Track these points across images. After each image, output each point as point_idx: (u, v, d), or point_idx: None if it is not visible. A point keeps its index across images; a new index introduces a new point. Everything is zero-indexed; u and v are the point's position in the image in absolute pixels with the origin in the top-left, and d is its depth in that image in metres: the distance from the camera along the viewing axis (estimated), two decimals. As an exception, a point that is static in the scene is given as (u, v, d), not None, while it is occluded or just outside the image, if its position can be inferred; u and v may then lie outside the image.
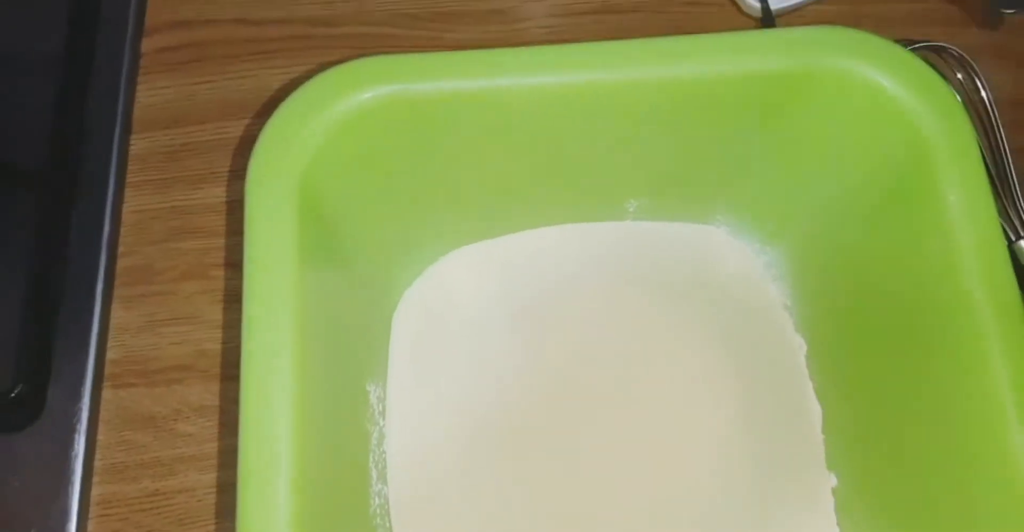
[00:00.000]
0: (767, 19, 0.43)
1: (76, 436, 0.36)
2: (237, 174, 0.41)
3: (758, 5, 0.43)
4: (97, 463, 0.36)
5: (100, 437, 0.37)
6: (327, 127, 0.30)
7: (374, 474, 0.35)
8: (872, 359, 0.35)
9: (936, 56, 0.42)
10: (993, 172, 0.39)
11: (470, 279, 0.39)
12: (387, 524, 0.34)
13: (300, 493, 0.28)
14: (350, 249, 0.35)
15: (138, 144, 0.41)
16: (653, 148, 0.36)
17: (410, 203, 0.36)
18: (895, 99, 0.32)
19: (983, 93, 0.40)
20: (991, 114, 0.40)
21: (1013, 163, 0.39)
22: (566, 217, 0.40)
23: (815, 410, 0.37)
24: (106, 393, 0.37)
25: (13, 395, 0.36)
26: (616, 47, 0.32)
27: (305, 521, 0.28)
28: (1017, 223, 0.38)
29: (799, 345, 0.38)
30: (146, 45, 0.43)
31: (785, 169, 0.37)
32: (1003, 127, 0.40)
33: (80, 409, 0.37)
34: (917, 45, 0.42)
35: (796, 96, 0.34)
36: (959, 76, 0.41)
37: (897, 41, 0.40)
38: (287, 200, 0.30)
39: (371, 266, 0.36)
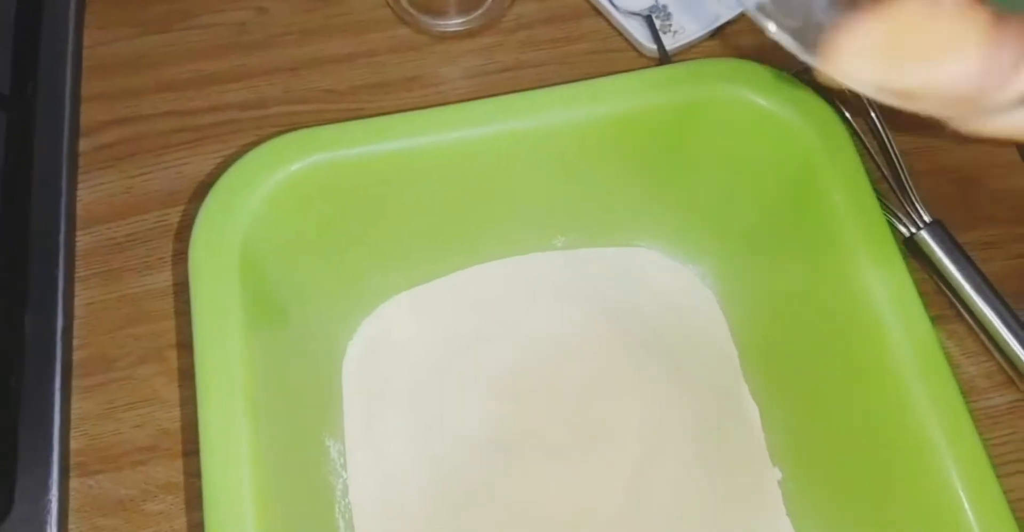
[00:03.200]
0: (664, 58, 0.46)
1: (47, 528, 0.37)
2: (181, 258, 0.42)
3: (655, 47, 0.46)
4: (70, 553, 0.37)
5: (71, 526, 0.37)
6: (262, 199, 0.32)
7: (341, 524, 0.35)
8: (797, 360, 0.37)
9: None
10: (888, 174, 0.42)
11: (411, 324, 0.40)
12: (360, 575, 0.35)
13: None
14: (294, 309, 0.36)
15: (84, 239, 0.43)
16: (569, 188, 0.38)
17: (347, 258, 0.38)
18: (777, 117, 0.35)
19: (868, 105, 0.44)
20: (879, 123, 0.44)
21: (904, 165, 0.42)
22: (497, 254, 0.42)
23: (752, 410, 0.39)
24: (73, 482, 0.38)
25: (-21, 496, 0.37)
26: (519, 99, 0.35)
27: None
28: (915, 217, 0.40)
29: (732, 352, 0.41)
30: (83, 145, 0.45)
31: (696, 191, 0.40)
32: (891, 133, 0.43)
33: (49, 501, 0.37)
34: (802, 70, 0.45)
35: (694, 124, 0.36)
36: (848, 92, 0.45)
37: (779, 68, 0.44)
38: (230, 270, 0.31)
39: (316, 323, 0.38)
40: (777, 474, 0.38)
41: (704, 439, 0.38)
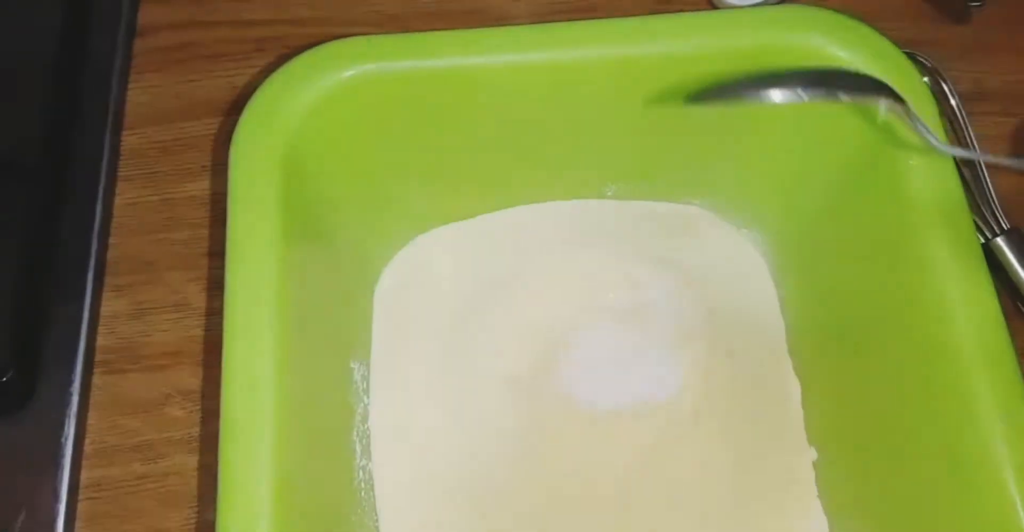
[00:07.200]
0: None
1: (67, 420, 0.37)
2: (222, 168, 0.42)
3: (733, 2, 0.44)
4: (87, 447, 0.37)
5: (91, 421, 0.37)
6: (308, 104, 0.31)
7: (358, 449, 0.35)
8: (849, 341, 0.36)
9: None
10: (967, 175, 0.40)
11: (448, 258, 0.39)
12: (371, 498, 0.35)
13: (281, 467, 0.28)
14: (332, 226, 0.35)
15: (130, 139, 0.42)
16: (626, 133, 0.37)
17: (390, 181, 0.37)
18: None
19: (952, 100, 0.41)
20: (961, 119, 0.41)
21: (984, 165, 0.39)
22: (544, 196, 0.40)
23: (794, 386, 0.38)
24: (97, 379, 0.38)
25: (4, 380, 0.37)
26: (584, 27, 0.33)
27: (286, 494, 0.28)
28: (992, 222, 0.38)
29: (779, 325, 0.39)
30: (138, 45, 0.44)
31: (760, 152, 0.38)
32: (970, 121, 0.40)
33: (71, 394, 0.37)
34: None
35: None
36: (926, 80, 0.42)
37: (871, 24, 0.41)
38: (270, 174, 0.30)
39: (353, 244, 0.37)
40: (813, 455, 0.36)
41: (738, 410, 0.37)
